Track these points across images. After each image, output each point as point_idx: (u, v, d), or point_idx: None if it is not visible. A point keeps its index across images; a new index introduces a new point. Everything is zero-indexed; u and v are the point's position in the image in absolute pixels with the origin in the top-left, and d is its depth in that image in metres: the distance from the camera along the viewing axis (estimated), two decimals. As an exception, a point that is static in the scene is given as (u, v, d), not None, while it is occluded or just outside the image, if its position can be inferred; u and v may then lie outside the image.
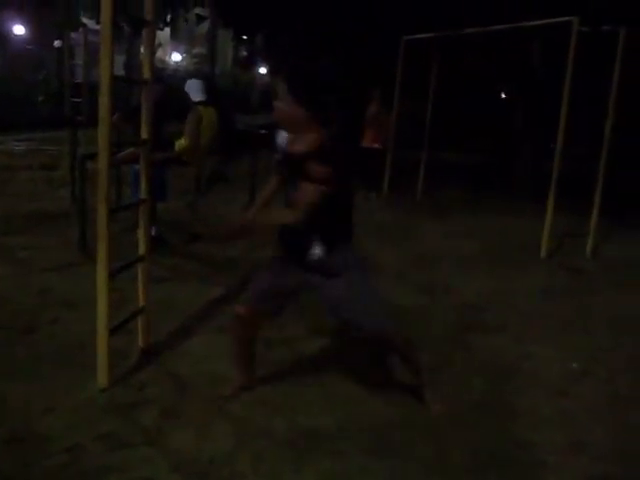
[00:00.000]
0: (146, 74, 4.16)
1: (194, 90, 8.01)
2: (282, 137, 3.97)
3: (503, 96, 17.95)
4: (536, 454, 3.50)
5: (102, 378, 3.85)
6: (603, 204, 8.19)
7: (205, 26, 33.87)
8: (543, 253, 7.94)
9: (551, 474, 3.34)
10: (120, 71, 22.74)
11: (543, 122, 12.62)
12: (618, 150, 8.83)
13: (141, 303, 4.36)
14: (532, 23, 8.47)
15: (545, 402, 4.10)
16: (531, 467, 3.39)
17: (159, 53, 8.69)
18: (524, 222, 9.64)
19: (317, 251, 3.59)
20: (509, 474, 3.33)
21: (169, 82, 7.01)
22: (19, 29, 23.71)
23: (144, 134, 4.21)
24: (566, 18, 7.70)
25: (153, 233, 5.96)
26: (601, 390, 4.34)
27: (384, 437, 3.55)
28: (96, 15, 14.04)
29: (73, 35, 14.93)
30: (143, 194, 4.24)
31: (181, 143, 7.12)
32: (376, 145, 11.84)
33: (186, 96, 7.79)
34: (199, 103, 7.81)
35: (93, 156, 4.60)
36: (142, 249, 4.25)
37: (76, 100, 11.09)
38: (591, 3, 9.70)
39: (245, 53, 29.18)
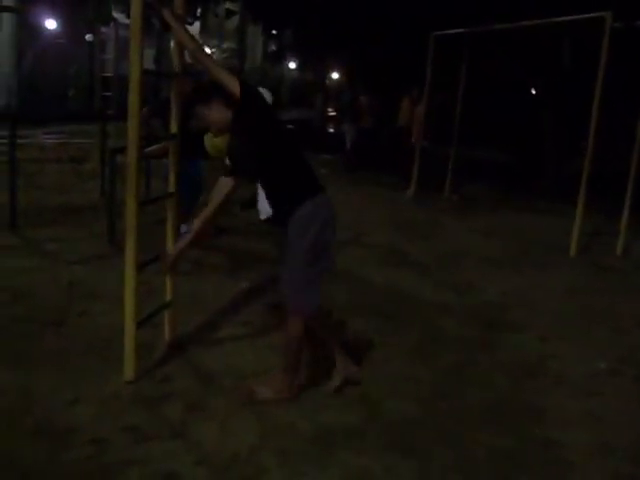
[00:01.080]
0: (176, 68, 4.17)
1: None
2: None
3: (533, 92, 17.78)
4: (562, 454, 3.46)
5: (128, 371, 3.87)
6: (634, 203, 8.09)
7: (235, 21, 33.93)
8: (572, 251, 7.87)
9: (578, 475, 3.30)
10: (150, 65, 22.85)
11: (573, 120, 12.50)
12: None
13: (168, 297, 4.38)
14: (563, 19, 8.38)
15: (572, 402, 4.06)
16: (557, 467, 3.36)
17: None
18: (553, 220, 9.57)
19: (264, 210, 3.79)
20: (535, 475, 3.29)
21: (198, 77, 6.93)
22: (51, 23, 23.86)
23: (173, 128, 4.22)
24: (598, 14, 7.61)
25: (184, 231, 5.95)
26: (629, 390, 4.30)
27: (407, 435, 3.53)
28: (127, 9, 14.11)
29: (104, 29, 15.05)
30: (171, 188, 4.25)
31: (213, 140, 7.03)
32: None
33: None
34: None
35: (123, 149, 4.61)
36: (170, 242, 4.26)
37: (106, 94, 11.17)
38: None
39: (274, 48, 29.21)
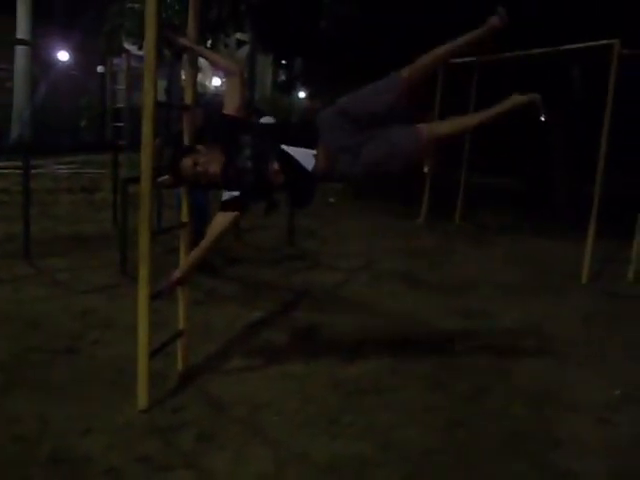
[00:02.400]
0: (188, 100, 4.22)
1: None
2: None
3: (542, 119, 17.81)
4: (579, 483, 3.43)
5: (141, 400, 3.87)
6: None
7: (245, 51, 34.26)
8: (584, 279, 7.83)
9: (594, 504, 3.27)
10: (161, 96, 23.06)
11: (583, 146, 12.50)
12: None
13: (181, 326, 4.39)
14: (572, 46, 8.42)
15: (587, 430, 4.02)
16: (574, 497, 3.33)
17: (199, 77, 8.86)
18: (564, 247, 9.54)
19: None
20: (551, 503, 3.27)
21: (209, 107, 6.99)
22: (63, 55, 24.15)
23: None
24: (607, 41, 7.65)
25: None
26: (646, 418, 4.26)
27: (423, 465, 3.50)
28: (139, 41, 14.28)
29: (116, 61, 15.21)
30: (183, 217, 4.28)
31: None
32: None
33: None
34: None
35: (135, 180, 4.66)
36: (182, 265, 4.28)
37: (117, 124, 11.27)
38: (633, 25, 9.61)
39: (284, 77, 29.39)
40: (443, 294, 6.94)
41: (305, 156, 3.87)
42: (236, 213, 3.94)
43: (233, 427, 3.77)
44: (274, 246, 8.65)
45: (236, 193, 3.91)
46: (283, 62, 23.05)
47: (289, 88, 30.23)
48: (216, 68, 4.19)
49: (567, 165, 13.56)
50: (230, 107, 4.04)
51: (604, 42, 7.73)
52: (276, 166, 3.88)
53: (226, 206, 3.94)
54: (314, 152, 3.86)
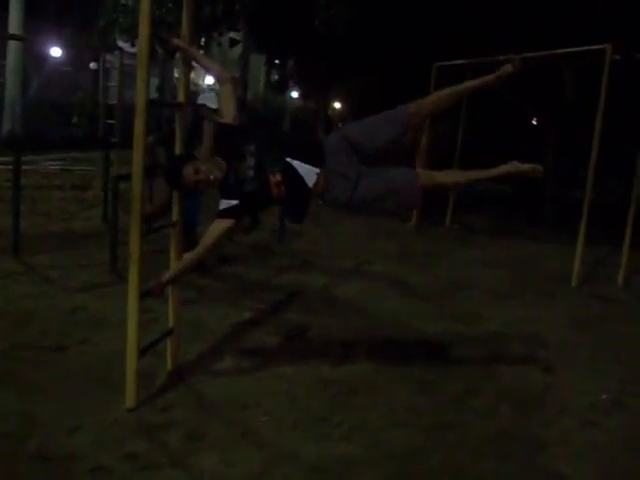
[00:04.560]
0: (181, 98, 4.21)
1: (210, 100, 7.18)
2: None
3: (534, 123, 17.88)
4: (565, 486, 3.45)
5: (130, 398, 3.86)
6: (635, 233, 8.10)
7: (238, 50, 34.22)
8: (574, 282, 7.86)
9: (580, 507, 3.29)
10: (153, 94, 23.02)
11: (574, 151, 12.54)
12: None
13: (170, 324, 4.39)
14: (565, 50, 8.45)
15: (575, 433, 4.04)
16: (560, 500, 3.34)
17: (192, 76, 8.82)
18: (554, 251, 9.58)
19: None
20: (537, 506, 3.28)
21: (198, 107, 6.91)
22: (56, 51, 24.08)
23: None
24: (599, 46, 7.67)
25: None
26: (632, 422, 4.27)
27: (410, 465, 3.51)
28: (132, 38, 14.25)
29: (109, 57, 15.17)
30: (175, 217, 4.27)
31: None
32: None
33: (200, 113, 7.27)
34: (216, 111, 6.94)
35: (126, 177, 4.65)
36: (173, 268, 4.27)
37: (109, 121, 11.22)
38: (625, 31, 9.65)
39: (277, 77, 29.43)
40: (432, 297, 6.96)
41: (309, 173, 3.89)
42: (232, 222, 3.94)
43: (221, 427, 3.77)
44: (265, 246, 8.64)
45: (234, 202, 3.91)
46: (276, 61, 23.09)
47: (282, 87, 30.27)
48: (208, 73, 4.21)
49: (557, 169, 13.60)
50: (228, 116, 4.06)
51: (596, 47, 7.75)
52: (278, 177, 3.89)
53: (223, 214, 3.93)
54: (318, 171, 3.88)
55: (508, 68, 4.02)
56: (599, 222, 8.47)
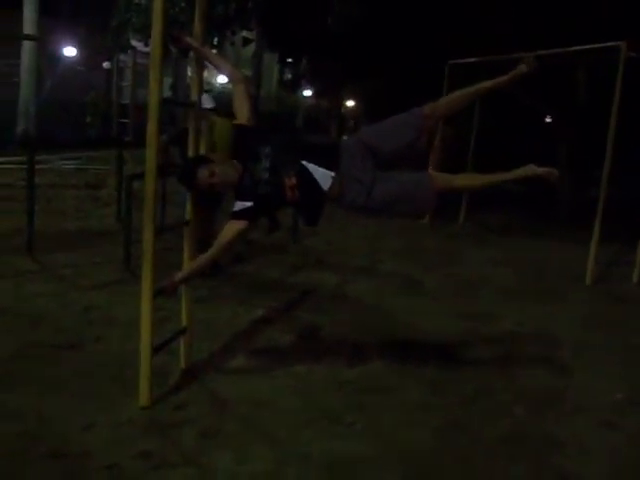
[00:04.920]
0: (194, 97, 4.22)
1: (207, 101, 6.86)
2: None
3: (548, 120, 17.82)
4: (579, 486, 3.43)
5: (143, 396, 3.87)
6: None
7: (251, 49, 34.26)
8: (588, 280, 7.83)
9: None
10: (167, 92, 23.08)
11: (588, 149, 12.49)
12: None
13: (184, 323, 4.40)
14: (579, 47, 8.40)
15: (589, 433, 4.02)
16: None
17: (205, 75, 8.82)
18: (568, 249, 9.54)
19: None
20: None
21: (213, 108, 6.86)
22: (70, 51, 24.20)
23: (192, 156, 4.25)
24: (614, 43, 7.63)
25: None
26: (647, 422, 4.25)
27: (423, 466, 3.51)
28: (145, 38, 14.28)
29: (122, 57, 15.22)
30: (188, 215, 4.28)
31: (219, 131, 6.79)
32: None
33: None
34: (211, 110, 6.90)
35: (140, 176, 4.66)
36: (186, 267, 4.28)
37: (123, 120, 11.27)
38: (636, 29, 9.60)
39: (290, 76, 29.44)
40: (446, 295, 6.94)
41: (324, 176, 3.87)
42: (246, 223, 3.92)
43: (235, 425, 3.77)
44: (279, 245, 8.65)
45: (249, 204, 3.91)
46: (289, 60, 23.09)
47: (294, 86, 30.27)
48: (220, 72, 4.19)
49: (572, 168, 13.55)
50: (242, 117, 4.05)
51: (610, 44, 7.71)
52: (294, 181, 3.88)
53: (237, 216, 3.93)
54: (333, 174, 3.87)
55: (522, 68, 4.00)
56: (614, 220, 8.42)
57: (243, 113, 4.05)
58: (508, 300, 6.90)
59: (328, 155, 3.95)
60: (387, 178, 3.88)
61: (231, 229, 3.93)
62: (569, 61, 10.77)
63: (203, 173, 3.89)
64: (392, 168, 3.97)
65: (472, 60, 10.49)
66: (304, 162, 3.90)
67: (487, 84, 4.07)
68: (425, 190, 3.89)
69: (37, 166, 7.91)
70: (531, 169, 3.94)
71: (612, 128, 7.63)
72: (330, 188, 3.87)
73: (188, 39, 4.10)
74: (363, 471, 3.39)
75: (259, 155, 3.94)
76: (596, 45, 8.03)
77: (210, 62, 4.20)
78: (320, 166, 3.89)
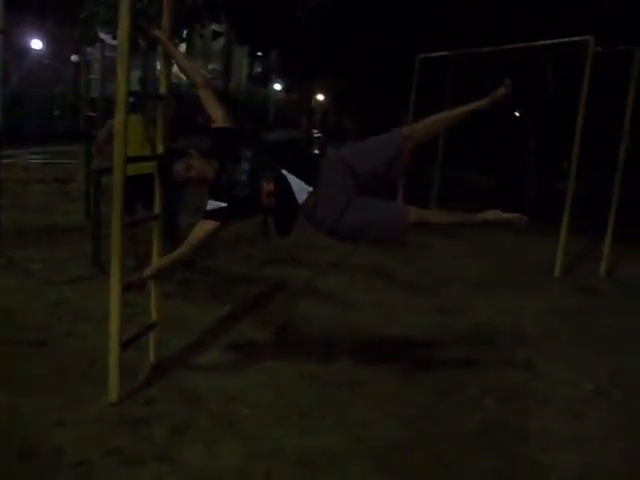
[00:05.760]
0: (163, 90, 4.19)
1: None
2: None
3: (517, 114, 17.96)
4: (549, 477, 3.46)
5: (113, 393, 3.85)
6: (617, 224, 8.15)
7: (221, 42, 34.11)
8: (557, 273, 7.91)
9: (564, 497, 3.30)
10: (135, 86, 22.89)
11: (556, 142, 12.60)
12: (633, 171, 8.78)
13: (153, 318, 4.37)
14: (547, 42, 8.46)
15: (558, 424, 4.06)
16: (543, 490, 3.36)
17: (174, 68, 8.70)
18: (537, 242, 9.61)
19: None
20: (521, 497, 3.29)
21: (181, 97, 6.84)
22: (37, 43, 23.94)
23: (160, 149, 4.23)
24: (582, 37, 7.69)
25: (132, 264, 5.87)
26: (615, 412, 4.30)
27: (393, 458, 3.52)
28: (113, 31, 14.12)
29: (90, 50, 15.04)
30: (156, 210, 4.26)
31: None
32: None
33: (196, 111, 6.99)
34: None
35: (108, 170, 4.62)
36: (155, 263, 4.26)
37: (91, 114, 11.14)
38: (606, 23, 9.69)
39: (260, 69, 29.34)
40: (416, 289, 6.97)
41: (301, 189, 3.83)
42: (217, 224, 3.88)
43: (205, 420, 3.76)
44: (248, 239, 8.62)
45: (223, 204, 3.87)
46: (259, 54, 22.99)
47: (265, 80, 30.16)
48: (182, 73, 4.14)
49: (540, 160, 13.67)
50: (218, 120, 4.02)
51: (578, 38, 7.77)
52: (271, 187, 3.85)
53: (209, 216, 3.89)
54: (310, 189, 3.83)
55: (501, 91, 4.00)
56: (582, 213, 8.50)
57: (218, 115, 4.01)
58: (478, 293, 6.95)
59: (308, 169, 3.92)
60: (361, 204, 3.84)
61: (202, 229, 3.89)
62: (538, 55, 10.85)
63: (180, 166, 3.86)
64: (370, 193, 3.94)
65: (442, 54, 10.52)
66: (284, 171, 3.88)
67: (467, 108, 4.05)
68: (397, 221, 3.86)
69: (4, 160, 7.81)
70: (495, 214, 3.95)
71: (580, 122, 7.71)
72: (304, 202, 3.83)
73: (156, 32, 4.07)
74: (334, 465, 3.40)
75: (239, 157, 3.90)
76: (564, 40, 8.09)
77: (174, 59, 4.15)
78: (299, 178, 3.85)
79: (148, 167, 5.62)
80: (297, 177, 3.84)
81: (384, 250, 8.66)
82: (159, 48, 4.21)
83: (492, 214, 3.95)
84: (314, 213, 3.85)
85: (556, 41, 8.30)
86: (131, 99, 6.52)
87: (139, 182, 4.55)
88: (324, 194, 3.81)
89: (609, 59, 8.48)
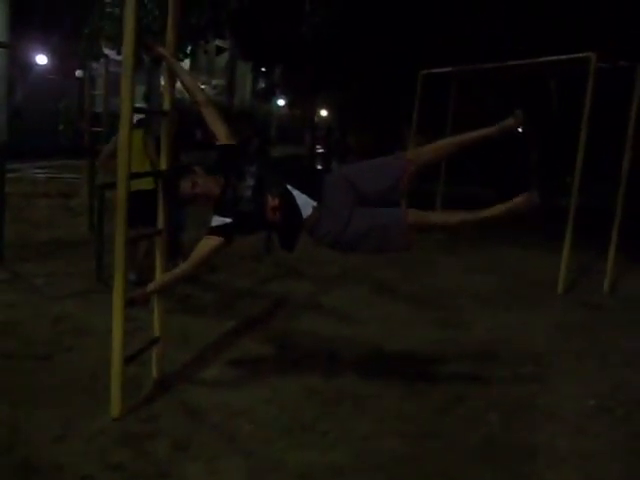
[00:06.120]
0: (166, 106, 4.21)
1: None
2: None
3: (520, 130, 17.98)
4: (552, 493, 3.45)
5: (115, 408, 3.84)
6: (621, 240, 8.13)
7: (224, 58, 34.21)
8: (560, 289, 7.88)
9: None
10: (140, 102, 22.99)
11: (559, 157, 12.61)
12: (637, 185, 8.76)
13: (156, 333, 4.37)
14: (550, 58, 8.48)
15: (562, 439, 4.05)
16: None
17: (178, 84, 8.72)
18: (540, 257, 9.59)
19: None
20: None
21: (182, 113, 6.81)
22: (41, 59, 24.01)
23: (163, 165, 4.24)
24: (584, 54, 7.71)
25: (132, 279, 5.89)
26: (619, 427, 4.28)
27: (395, 474, 3.51)
28: (118, 46, 14.19)
29: (94, 65, 15.10)
30: (160, 224, 4.26)
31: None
32: None
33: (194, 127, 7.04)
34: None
35: (111, 185, 4.63)
36: (158, 279, 4.26)
37: (96, 129, 11.19)
38: (609, 40, 9.73)
39: (263, 85, 29.40)
40: (418, 304, 6.96)
41: (305, 204, 3.82)
42: (222, 240, 3.86)
43: (207, 436, 3.75)
44: (251, 254, 8.62)
45: (228, 220, 3.87)
46: (263, 69, 23.07)
47: (268, 95, 30.21)
48: (185, 90, 4.16)
49: (543, 175, 13.67)
50: (221, 137, 4.03)
51: (581, 55, 7.79)
52: (277, 202, 3.85)
53: (214, 232, 3.88)
54: (315, 204, 3.83)
55: (510, 122, 3.97)
56: (585, 229, 8.49)
57: (221, 133, 4.03)
58: (481, 308, 6.93)
59: (312, 184, 3.92)
60: (362, 214, 3.83)
61: (207, 245, 3.87)
62: (541, 71, 10.88)
63: (186, 183, 3.87)
64: (370, 206, 3.93)
65: (445, 70, 10.54)
66: (289, 186, 3.88)
67: (474, 135, 4.01)
68: (397, 223, 3.81)
69: (8, 175, 7.84)
70: (500, 207, 3.84)
71: (582, 137, 7.71)
72: (309, 217, 3.83)
73: (160, 49, 4.09)
74: (338, 480, 3.39)
75: (244, 172, 3.91)
76: (567, 56, 8.10)
77: (177, 76, 4.17)
78: (303, 193, 3.86)
79: (146, 184, 5.64)
80: (302, 192, 3.85)
81: (388, 263, 8.66)
82: (163, 64, 4.23)
83: (497, 208, 3.85)
84: (317, 227, 3.85)
85: (559, 57, 8.32)
86: (139, 116, 6.60)
87: (138, 200, 4.53)
88: (328, 209, 3.81)
89: (612, 75, 8.49)
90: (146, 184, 5.69)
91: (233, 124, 5.60)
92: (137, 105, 3.83)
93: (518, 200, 3.75)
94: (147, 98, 25.16)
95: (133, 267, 6.10)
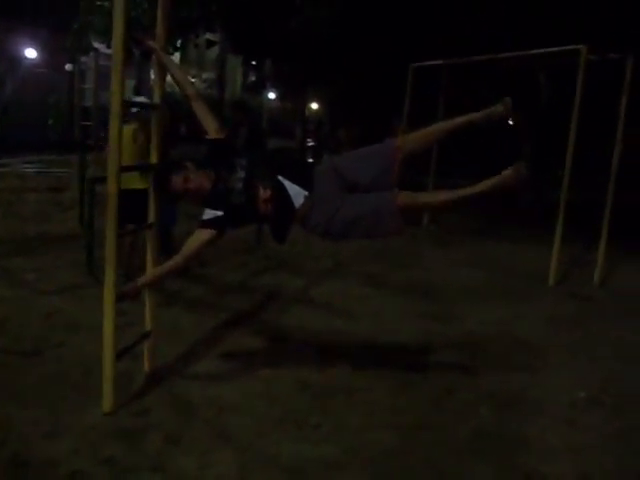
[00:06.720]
0: (156, 99, 4.19)
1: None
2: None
3: (510, 123, 18.01)
4: (543, 485, 3.46)
5: (107, 403, 3.84)
6: (611, 232, 8.16)
7: (215, 51, 34.15)
8: (551, 281, 7.90)
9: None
10: (130, 95, 22.92)
11: (550, 150, 12.63)
12: (627, 178, 8.79)
13: (147, 327, 4.36)
14: (540, 51, 8.48)
15: (553, 432, 4.06)
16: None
17: (169, 78, 8.70)
18: (531, 250, 9.61)
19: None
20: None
21: (172, 107, 6.78)
22: (31, 52, 23.91)
23: (153, 159, 4.23)
24: (574, 46, 7.72)
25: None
26: (609, 419, 4.30)
27: (388, 467, 3.51)
28: (107, 40, 14.14)
29: (84, 59, 15.06)
30: (150, 218, 4.25)
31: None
32: None
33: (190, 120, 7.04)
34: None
35: (102, 179, 4.61)
36: (149, 273, 4.25)
37: (85, 124, 11.15)
38: (599, 32, 9.74)
39: (254, 78, 29.38)
40: (410, 297, 6.96)
41: (297, 194, 3.83)
42: (214, 233, 3.86)
43: (199, 429, 3.75)
44: (243, 248, 8.61)
45: (219, 213, 3.87)
46: (253, 63, 23.05)
47: (259, 89, 30.19)
48: (175, 84, 4.15)
49: (533, 168, 13.68)
50: (212, 131, 4.04)
51: (571, 47, 7.79)
52: (268, 193, 3.85)
53: (206, 225, 3.87)
54: (306, 193, 3.83)
55: (499, 108, 3.96)
56: (576, 221, 8.51)
57: (211, 127, 4.04)
58: (473, 301, 6.94)
59: (303, 175, 3.92)
60: (351, 201, 3.83)
61: (198, 238, 3.87)
62: (531, 64, 10.90)
63: (177, 178, 3.86)
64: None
65: (435, 63, 10.54)
66: (280, 177, 3.88)
67: (461, 120, 4.00)
68: (387, 206, 3.76)
69: (-2, 169, 7.81)
70: (490, 181, 3.79)
71: (573, 130, 7.72)
72: (301, 207, 3.83)
73: (150, 42, 4.08)
74: (329, 473, 3.39)
75: (235, 166, 3.91)
76: (557, 48, 8.11)
77: (167, 70, 4.16)
78: (295, 183, 3.86)
79: (139, 183, 5.62)
80: (293, 182, 3.85)
81: (380, 257, 8.67)
82: (153, 57, 4.21)
83: (485, 183, 3.77)
84: (309, 217, 3.85)
85: (549, 50, 8.32)
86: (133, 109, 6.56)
87: (129, 200, 4.47)
88: (320, 198, 3.81)
89: (601, 67, 8.50)
90: (139, 183, 5.68)
91: (229, 113, 5.60)
92: (136, 99, 3.82)
93: (506, 173, 3.71)
94: (137, 92, 25.07)
95: (120, 265, 6.08)
